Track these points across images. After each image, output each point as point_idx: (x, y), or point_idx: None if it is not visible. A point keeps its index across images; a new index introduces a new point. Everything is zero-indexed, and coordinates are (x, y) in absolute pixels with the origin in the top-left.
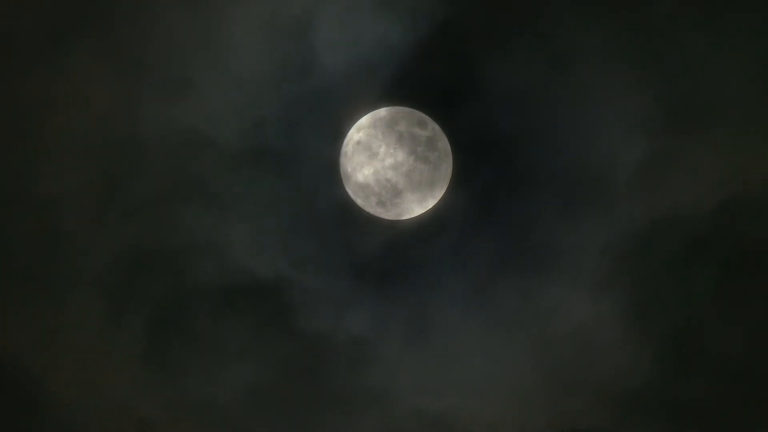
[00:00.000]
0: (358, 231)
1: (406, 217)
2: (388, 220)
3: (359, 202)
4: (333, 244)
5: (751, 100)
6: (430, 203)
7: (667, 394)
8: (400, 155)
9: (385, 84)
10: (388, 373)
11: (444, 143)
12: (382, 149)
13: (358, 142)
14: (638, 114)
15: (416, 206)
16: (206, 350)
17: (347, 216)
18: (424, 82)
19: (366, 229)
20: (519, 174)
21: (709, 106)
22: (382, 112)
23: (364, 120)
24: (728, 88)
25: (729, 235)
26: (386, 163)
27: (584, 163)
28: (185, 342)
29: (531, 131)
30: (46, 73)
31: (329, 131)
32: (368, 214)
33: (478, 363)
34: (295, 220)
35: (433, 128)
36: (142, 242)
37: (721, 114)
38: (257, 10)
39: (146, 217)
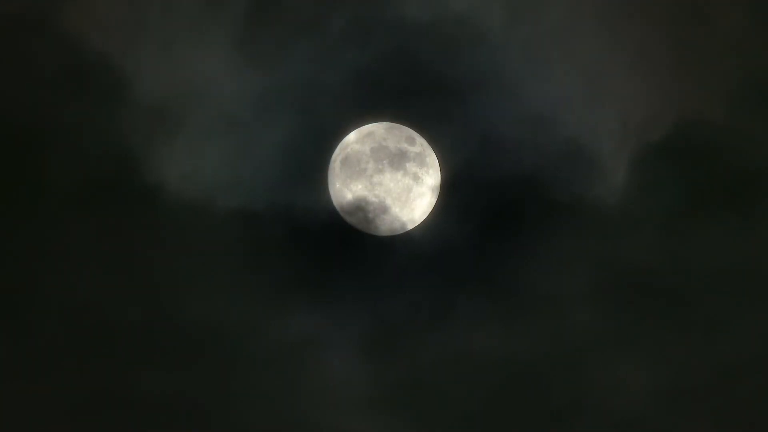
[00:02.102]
0: (345, 251)
1: (395, 233)
2: (377, 237)
3: (347, 218)
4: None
5: None
6: (418, 219)
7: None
8: (388, 171)
9: (370, 110)
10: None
11: (432, 158)
12: (370, 165)
13: (346, 158)
14: (628, 146)
15: (405, 222)
16: None
17: (335, 233)
18: (412, 110)
19: (353, 249)
20: (506, 209)
21: None
22: (370, 127)
23: (352, 136)
24: None
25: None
26: (374, 180)
27: (574, 199)
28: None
29: (519, 164)
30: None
31: (318, 152)
32: (357, 230)
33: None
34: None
35: (421, 144)
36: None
37: None
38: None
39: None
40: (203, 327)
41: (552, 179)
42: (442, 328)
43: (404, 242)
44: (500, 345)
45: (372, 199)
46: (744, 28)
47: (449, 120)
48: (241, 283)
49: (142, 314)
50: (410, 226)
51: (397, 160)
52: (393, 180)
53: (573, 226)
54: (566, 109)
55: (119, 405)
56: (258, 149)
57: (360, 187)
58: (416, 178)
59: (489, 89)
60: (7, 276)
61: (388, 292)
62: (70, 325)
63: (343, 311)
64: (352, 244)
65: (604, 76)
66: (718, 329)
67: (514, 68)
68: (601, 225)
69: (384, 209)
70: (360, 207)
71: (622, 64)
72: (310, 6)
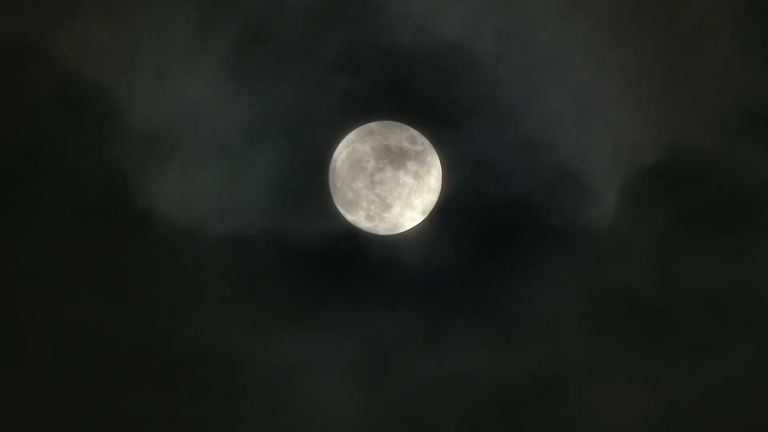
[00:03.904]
0: (337, 275)
1: (396, 231)
2: (378, 235)
3: (348, 217)
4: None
5: None
6: (420, 217)
7: None
8: (389, 169)
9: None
10: None
11: (433, 157)
12: (371, 163)
13: (346, 157)
14: (619, 171)
15: (406, 221)
16: None
17: (328, 258)
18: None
19: (345, 273)
20: (498, 233)
21: None
22: (371, 125)
23: (352, 135)
24: None
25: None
26: (375, 178)
27: (566, 223)
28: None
29: (511, 188)
30: (32, 140)
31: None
32: (357, 229)
33: None
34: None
35: (423, 143)
36: None
37: None
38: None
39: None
40: (196, 351)
41: (544, 204)
42: (433, 352)
43: (396, 266)
44: (492, 368)
45: (373, 197)
46: (733, 54)
47: (442, 146)
48: (233, 308)
49: (134, 338)
50: (411, 224)
51: (398, 159)
52: (394, 178)
53: (565, 250)
54: (558, 134)
55: (110, 428)
56: (250, 175)
57: (361, 185)
58: (417, 176)
59: (481, 115)
60: None
61: (380, 315)
62: (62, 349)
63: (335, 335)
64: (344, 267)
65: (595, 102)
66: (710, 352)
67: (506, 95)
68: (592, 249)
69: (385, 207)
70: (361, 206)
71: (612, 89)
72: (302, 32)
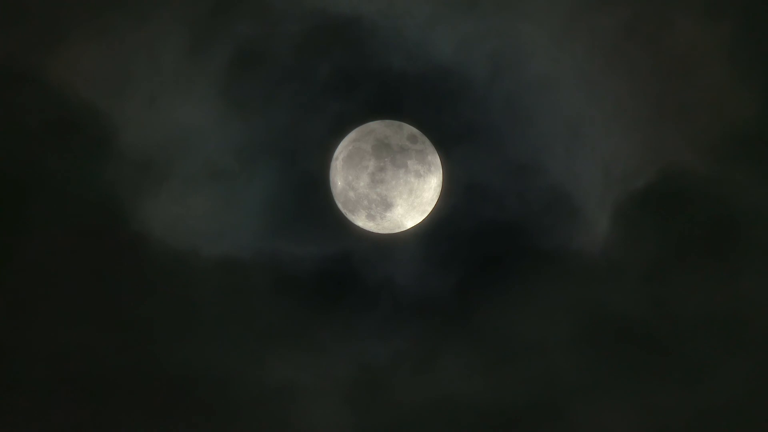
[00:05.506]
0: (330, 299)
1: (396, 231)
2: (378, 234)
3: (348, 216)
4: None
5: None
6: (421, 216)
7: None
8: (390, 168)
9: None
10: None
11: (434, 156)
12: (372, 162)
13: (348, 156)
14: (610, 195)
15: (407, 220)
16: None
17: (320, 281)
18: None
19: (338, 297)
20: (490, 257)
21: None
22: (373, 125)
23: (353, 134)
24: None
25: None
26: (376, 177)
27: (557, 247)
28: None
29: (503, 213)
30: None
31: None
32: (357, 227)
33: None
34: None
35: (423, 142)
36: None
37: None
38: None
39: None
40: (189, 373)
41: (535, 227)
42: (425, 374)
43: (389, 289)
44: (484, 391)
45: (374, 196)
46: (723, 80)
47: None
48: (226, 330)
49: (127, 360)
50: (412, 223)
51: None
52: (395, 177)
53: (556, 274)
54: (550, 158)
55: None
56: (243, 198)
57: (362, 184)
58: (418, 175)
59: (473, 139)
60: None
61: (373, 338)
62: (55, 370)
63: (328, 357)
64: (338, 291)
65: (586, 127)
66: (700, 374)
67: (498, 119)
68: (584, 273)
69: (386, 206)
70: (362, 205)
71: (604, 114)
72: (294, 56)
